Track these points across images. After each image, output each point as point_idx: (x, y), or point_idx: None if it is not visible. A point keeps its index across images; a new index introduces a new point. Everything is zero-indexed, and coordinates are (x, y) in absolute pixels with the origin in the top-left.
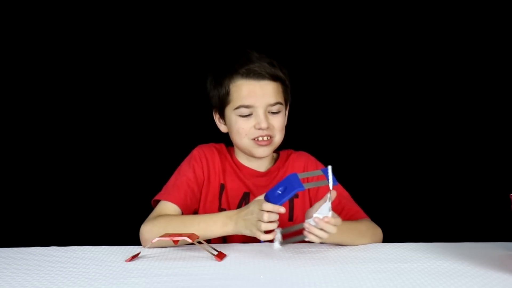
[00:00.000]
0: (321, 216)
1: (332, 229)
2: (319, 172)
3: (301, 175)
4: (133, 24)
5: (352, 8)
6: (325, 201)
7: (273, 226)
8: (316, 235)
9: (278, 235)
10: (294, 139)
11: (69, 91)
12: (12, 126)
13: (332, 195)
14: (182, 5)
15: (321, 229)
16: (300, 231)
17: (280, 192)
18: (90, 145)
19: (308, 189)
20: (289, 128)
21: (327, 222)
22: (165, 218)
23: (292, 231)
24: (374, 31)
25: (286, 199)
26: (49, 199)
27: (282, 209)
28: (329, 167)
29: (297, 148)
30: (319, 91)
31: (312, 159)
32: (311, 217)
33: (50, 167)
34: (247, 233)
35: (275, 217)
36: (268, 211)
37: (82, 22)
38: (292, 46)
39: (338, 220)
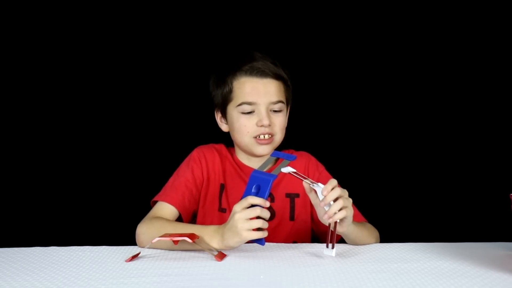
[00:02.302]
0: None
1: (335, 193)
2: (271, 160)
3: (260, 169)
4: (135, 26)
5: (353, 10)
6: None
7: (261, 223)
8: (334, 212)
9: (326, 251)
10: (295, 139)
11: (70, 92)
12: (12, 126)
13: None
14: (184, 7)
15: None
16: (334, 231)
17: (255, 191)
18: (90, 145)
19: None
20: (290, 128)
21: (326, 193)
22: (159, 222)
23: (331, 237)
24: (374, 33)
25: (268, 192)
26: (49, 199)
27: (267, 203)
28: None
29: (297, 148)
30: (319, 92)
31: (313, 159)
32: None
33: (50, 167)
34: (237, 241)
35: (266, 213)
36: (252, 208)
37: (83, 22)
38: (293, 48)
39: (332, 181)
